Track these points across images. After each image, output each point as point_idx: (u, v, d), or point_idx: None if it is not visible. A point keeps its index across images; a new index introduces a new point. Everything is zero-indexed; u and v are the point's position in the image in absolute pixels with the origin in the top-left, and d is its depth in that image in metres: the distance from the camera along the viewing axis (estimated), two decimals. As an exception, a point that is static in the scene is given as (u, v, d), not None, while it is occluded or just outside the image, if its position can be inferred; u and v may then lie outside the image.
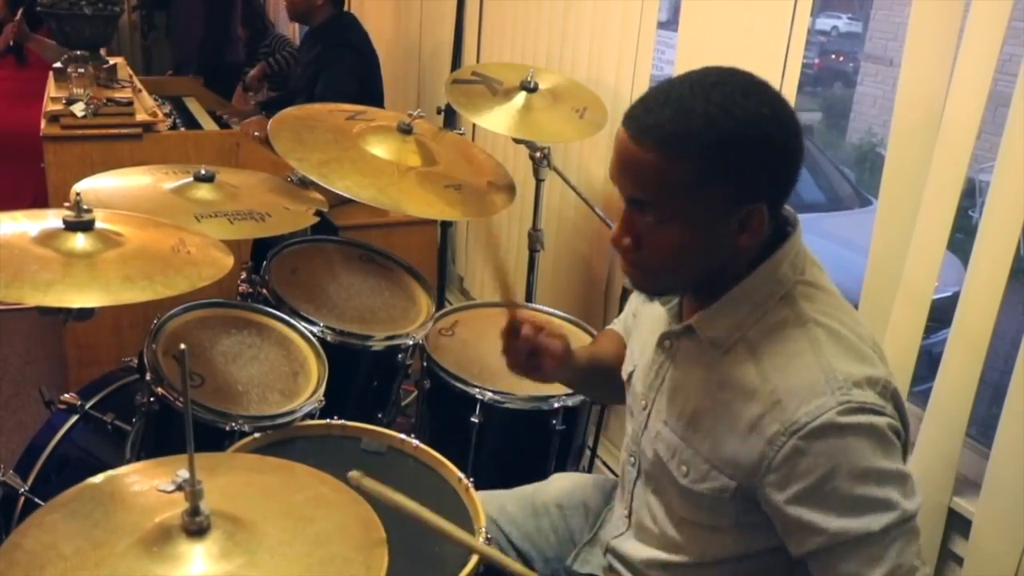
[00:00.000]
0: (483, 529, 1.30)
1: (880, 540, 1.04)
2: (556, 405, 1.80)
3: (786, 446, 1.04)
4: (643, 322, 1.33)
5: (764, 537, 1.13)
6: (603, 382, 1.45)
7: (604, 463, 2.48)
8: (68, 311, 1.39)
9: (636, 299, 1.42)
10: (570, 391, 1.81)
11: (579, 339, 2.06)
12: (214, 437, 1.45)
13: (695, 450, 1.14)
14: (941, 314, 1.63)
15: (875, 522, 1.03)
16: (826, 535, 1.04)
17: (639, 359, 1.30)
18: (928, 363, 1.63)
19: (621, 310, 2.62)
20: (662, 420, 1.21)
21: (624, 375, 1.36)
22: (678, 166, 1.01)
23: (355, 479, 1.11)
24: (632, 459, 1.30)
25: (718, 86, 1.02)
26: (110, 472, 1.03)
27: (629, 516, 1.32)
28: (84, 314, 1.39)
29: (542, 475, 1.61)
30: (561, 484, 1.53)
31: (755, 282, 1.11)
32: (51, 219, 1.34)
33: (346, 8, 3.39)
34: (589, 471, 2.16)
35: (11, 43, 4.07)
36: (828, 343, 1.06)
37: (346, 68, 3.11)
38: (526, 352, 1.31)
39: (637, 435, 1.28)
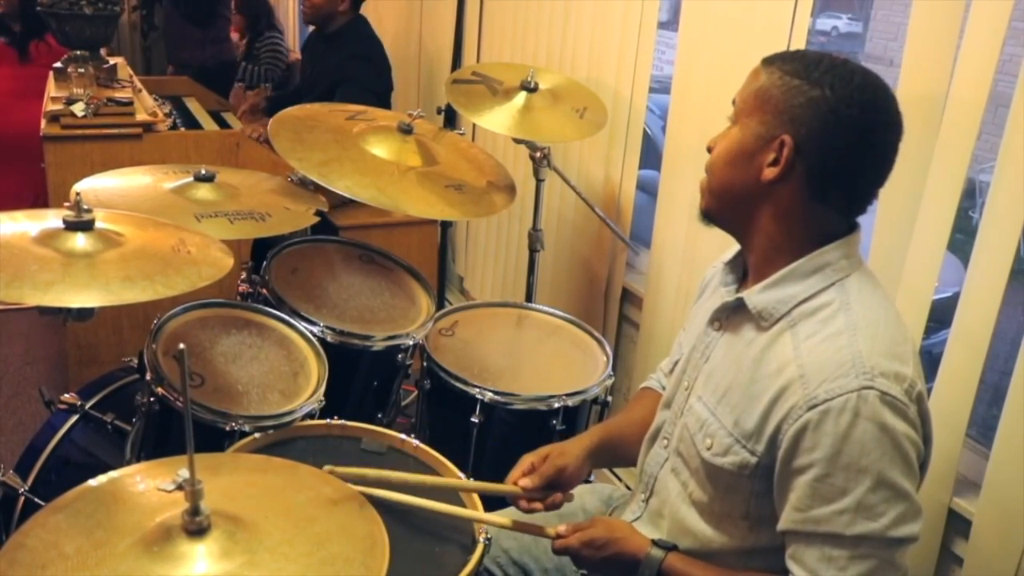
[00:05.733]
0: (484, 529, 1.31)
1: (849, 546, 1.03)
2: (556, 405, 1.80)
3: (800, 419, 1.05)
4: (694, 324, 1.35)
5: (769, 534, 1.13)
6: (622, 459, 1.49)
7: (604, 463, 2.48)
8: (68, 311, 1.39)
9: (687, 323, 1.43)
10: (570, 392, 1.82)
11: (579, 338, 2.07)
12: (214, 437, 1.45)
13: (721, 423, 1.17)
14: (941, 314, 1.63)
15: (852, 525, 1.03)
16: (801, 516, 1.06)
17: (686, 349, 1.32)
18: (928, 363, 1.63)
19: (621, 310, 2.65)
20: (697, 396, 1.24)
21: (669, 366, 1.40)
22: (769, 77, 1.14)
23: (329, 471, 1.22)
24: (665, 441, 1.31)
25: (846, 64, 1.13)
26: (112, 473, 1.04)
27: (647, 501, 1.34)
28: (84, 314, 1.39)
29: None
30: None
31: (813, 262, 1.13)
32: (51, 219, 1.33)
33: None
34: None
35: (11, 40, 4.02)
36: (866, 332, 1.07)
37: (365, 83, 3.10)
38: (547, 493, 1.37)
39: (674, 419, 1.30)
